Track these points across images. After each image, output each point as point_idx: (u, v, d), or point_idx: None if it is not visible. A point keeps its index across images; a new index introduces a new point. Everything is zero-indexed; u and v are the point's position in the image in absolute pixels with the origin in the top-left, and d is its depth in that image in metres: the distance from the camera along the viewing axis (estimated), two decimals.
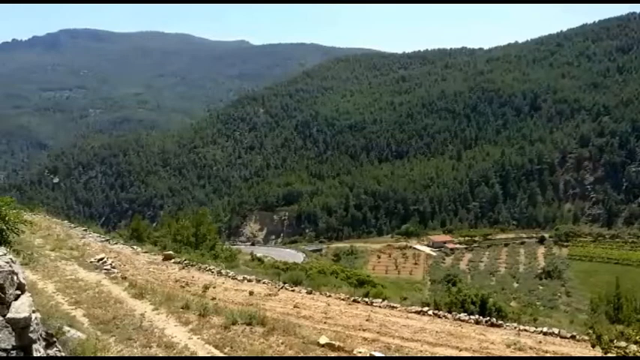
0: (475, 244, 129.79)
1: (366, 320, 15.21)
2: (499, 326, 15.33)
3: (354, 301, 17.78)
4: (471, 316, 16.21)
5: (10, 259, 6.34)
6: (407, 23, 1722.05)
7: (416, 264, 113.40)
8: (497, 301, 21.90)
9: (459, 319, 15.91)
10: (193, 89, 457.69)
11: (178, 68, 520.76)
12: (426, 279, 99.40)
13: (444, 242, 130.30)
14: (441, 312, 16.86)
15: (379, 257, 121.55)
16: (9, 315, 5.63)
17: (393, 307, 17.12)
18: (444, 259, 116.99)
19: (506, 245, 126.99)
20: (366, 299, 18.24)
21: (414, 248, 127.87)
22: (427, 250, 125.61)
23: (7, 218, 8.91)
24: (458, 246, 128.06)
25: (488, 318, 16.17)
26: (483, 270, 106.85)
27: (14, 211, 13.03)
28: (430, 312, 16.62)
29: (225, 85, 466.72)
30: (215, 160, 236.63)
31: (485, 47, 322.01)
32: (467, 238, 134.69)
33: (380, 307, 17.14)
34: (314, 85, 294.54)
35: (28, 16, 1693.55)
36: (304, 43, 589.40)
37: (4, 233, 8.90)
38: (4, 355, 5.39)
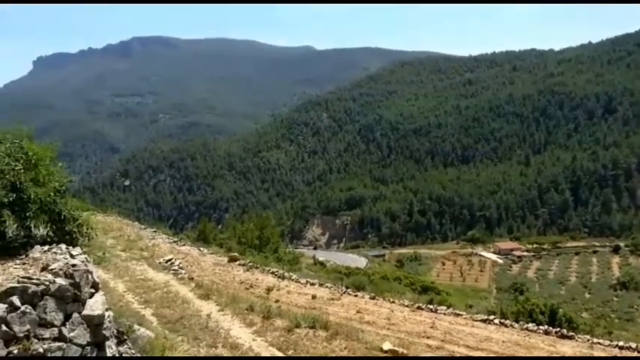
0: (544, 252, 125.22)
1: (430, 327, 14.95)
2: (570, 338, 14.73)
3: (418, 307, 17.52)
4: (540, 327, 15.67)
5: (85, 258, 6.60)
6: (474, 25, 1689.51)
7: (481, 271, 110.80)
8: (567, 312, 21.12)
9: (526, 329, 15.41)
10: (259, 94, 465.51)
11: (244, 74, 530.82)
12: (492, 287, 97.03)
13: (511, 249, 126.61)
14: (507, 321, 16.39)
15: (443, 264, 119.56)
16: (84, 312, 5.85)
17: (458, 315, 16.77)
18: (510, 267, 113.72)
19: (577, 254, 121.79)
20: (431, 306, 17.94)
21: (480, 255, 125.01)
22: (493, 257, 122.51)
23: (82, 218, 9.28)
24: (525, 254, 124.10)
25: (558, 329, 15.57)
26: (552, 279, 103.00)
27: (87, 212, 13.57)
28: (496, 321, 16.18)
29: (289, 90, 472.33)
30: (279, 165, 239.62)
31: (556, 48, 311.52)
32: (535, 246, 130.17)
33: (444, 314, 16.83)
34: (378, 89, 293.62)
35: (102, 24, 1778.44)
36: (369, 47, 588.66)
37: (77, 234, 9.27)
38: (80, 350, 5.61)
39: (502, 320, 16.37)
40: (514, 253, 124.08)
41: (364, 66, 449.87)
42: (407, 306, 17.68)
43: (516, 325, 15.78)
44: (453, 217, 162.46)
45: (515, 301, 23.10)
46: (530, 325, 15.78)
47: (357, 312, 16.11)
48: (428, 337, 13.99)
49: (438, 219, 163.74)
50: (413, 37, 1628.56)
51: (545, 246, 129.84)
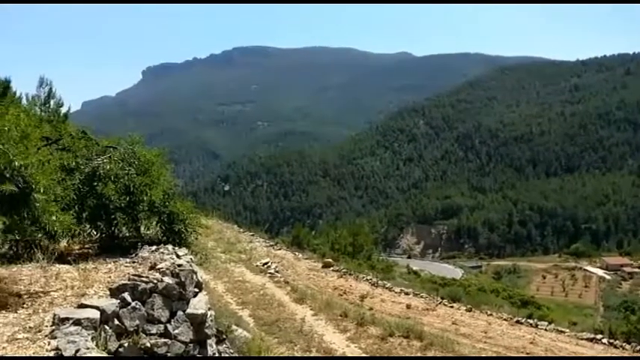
0: None
1: (530, 343, 14.33)
2: None
3: (517, 322, 16.84)
4: None
5: (191, 259, 6.92)
6: (581, 28, 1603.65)
7: (586, 287, 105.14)
8: None
9: None
10: (354, 102, 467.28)
11: (341, 81, 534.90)
12: (599, 304, 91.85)
13: (621, 265, 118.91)
14: (617, 342, 15.34)
15: (544, 277, 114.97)
16: (188, 310, 6.14)
17: (561, 332, 15.95)
18: (620, 284, 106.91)
19: None
20: (530, 321, 17.20)
21: (585, 270, 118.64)
22: (600, 272, 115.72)
23: (187, 221, 9.80)
24: (638, 270, 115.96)
25: None
26: None
27: (192, 214, 14.24)
28: (604, 340, 15.22)
29: (386, 97, 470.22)
30: (373, 172, 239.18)
31: None
32: None
33: (546, 330, 16.08)
34: (477, 95, 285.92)
35: (206, 35, 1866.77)
36: (468, 52, 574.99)
37: (183, 235, 9.80)
38: (183, 347, 5.88)
39: (611, 340, 15.37)
40: (624, 269, 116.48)
41: (463, 72, 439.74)
42: (505, 319, 17.06)
43: (628, 347, 14.75)
44: (556, 228, 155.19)
45: (627, 321, 21.56)
46: None
47: (453, 323, 15.74)
48: (527, 354, 13.42)
49: (539, 230, 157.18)
50: (514, 42, 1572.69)
51: None
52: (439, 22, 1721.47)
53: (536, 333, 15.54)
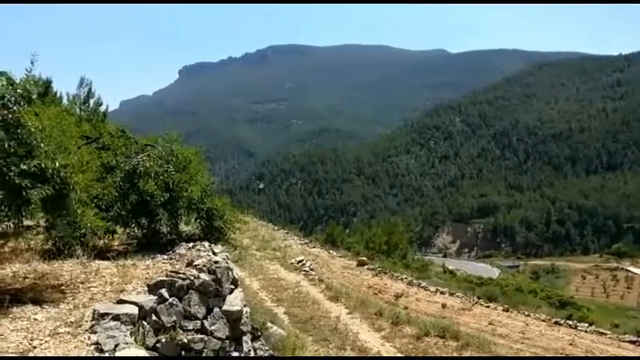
0: None
1: (570, 344, 14.03)
2: None
3: (556, 322, 16.55)
4: None
5: (227, 256, 6.97)
6: (623, 21, 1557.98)
7: (629, 288, 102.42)
8: None
9: None
10: (389, 99, 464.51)
11: (376, 79, 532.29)
12: None
13: None
14: None
15: (584, 278, 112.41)
16: (224, 307, 6.19)
17: (602, 334, 15.60)
18: None
19: None
20: (570, 322, 16.87)
21: (627, 270, 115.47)
22: None
23: (225, 217, 9.92)
24: None
25: None
26: None
27: (230, 210, 14.39)
28: None
29: (421, 94, 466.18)
30: (408, 170, 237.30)
31: None
32: None
33: (586, 331, 15.75)
34: (515, 92, 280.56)
35: (241, 34, 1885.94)
36: (505, 49, 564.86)
37: (222, 230, 9.93)
38: (220, 343, 5.93)
39: None
40: None
41: (500, 69, 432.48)
42: (543, 320, 16.78)
43: None
44: (596, 228, 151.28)
45: None
46: None
47: (489, 324, 15.53)
48: (567, 355, 13.14)
49: (578, 229, 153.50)
50: (552, 37, 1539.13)
51: None
52: (475, 19, 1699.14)
53: (575, 334, 15.23)
